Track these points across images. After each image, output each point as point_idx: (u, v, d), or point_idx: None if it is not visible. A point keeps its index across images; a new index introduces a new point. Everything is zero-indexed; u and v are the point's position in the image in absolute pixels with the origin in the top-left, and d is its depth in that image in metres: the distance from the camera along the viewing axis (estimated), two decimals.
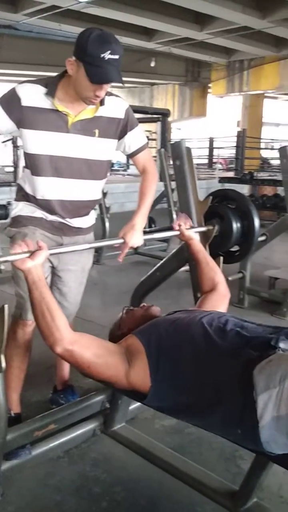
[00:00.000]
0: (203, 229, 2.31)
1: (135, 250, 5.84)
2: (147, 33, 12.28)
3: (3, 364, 1.55)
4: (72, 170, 2.01)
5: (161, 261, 2.67)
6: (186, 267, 2.52)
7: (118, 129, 2.05)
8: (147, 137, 2.14)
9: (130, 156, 2.15)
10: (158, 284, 2.78)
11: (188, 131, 22.43)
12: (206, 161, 17.37)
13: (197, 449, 2.22)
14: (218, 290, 2.01)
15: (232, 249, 2.48)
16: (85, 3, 9.41)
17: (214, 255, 2.36)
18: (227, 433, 1.49)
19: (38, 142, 1.94)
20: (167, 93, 17.38)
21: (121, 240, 2.00)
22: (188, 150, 2.36)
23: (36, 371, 2.24)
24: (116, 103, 2.03)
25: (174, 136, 16.50)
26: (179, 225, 2.13)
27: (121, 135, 2.07)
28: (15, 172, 9.33)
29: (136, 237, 2.01)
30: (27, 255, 1.62)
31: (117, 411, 2.21)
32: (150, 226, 5.85)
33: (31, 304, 1.63)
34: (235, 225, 2.31)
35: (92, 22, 9.91)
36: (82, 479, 2.01)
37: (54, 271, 2.19)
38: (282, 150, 3.96)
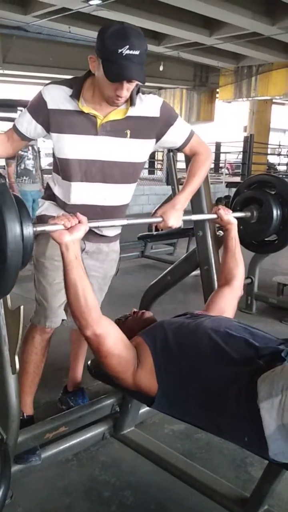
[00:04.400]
0: (241, 214, 2.20)
1: (142, 253, 5.84)
2: (156, 37, 12.34)
3: (17, 366, 1.54)
4: (103, 174, 1.90)
5: (172, 265, 2.66)
6: (196, 272, 2.50)
7: (155, 129, 1.90)
8: None
9: (179, 150, 2.01)
10: (168, 288, 2.77)
11: None
12: (212, 165, 17.37)
13: (206, 455, 2.21)
14: (232, 285, 1.93)
15: (268, 239, 2.33)
16: (95, 6, 9.45)
17: (248, 244, 2.26)
18: (236, 439, 1.48)
19: (66, 145, 1.86)
20: (175, 98, 17.42)
21: (159, 219, 1.89)
22: None
23: (46, 372, 2.23)
24: (149, 101, 1.88)
25: None
26: (218, 209, 2.02)
27: (160, 134, 1.92)
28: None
29: (174, 217, 1.88)
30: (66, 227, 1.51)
31: (127, 415, 2.20)
32: (157, 230, 5.82)
33: (64, 284, 1.53)
34: (276, 212, 2.15)
35: (102, 25, 9.91)
36: (91, 483, 2.00)
37: None
38: None
